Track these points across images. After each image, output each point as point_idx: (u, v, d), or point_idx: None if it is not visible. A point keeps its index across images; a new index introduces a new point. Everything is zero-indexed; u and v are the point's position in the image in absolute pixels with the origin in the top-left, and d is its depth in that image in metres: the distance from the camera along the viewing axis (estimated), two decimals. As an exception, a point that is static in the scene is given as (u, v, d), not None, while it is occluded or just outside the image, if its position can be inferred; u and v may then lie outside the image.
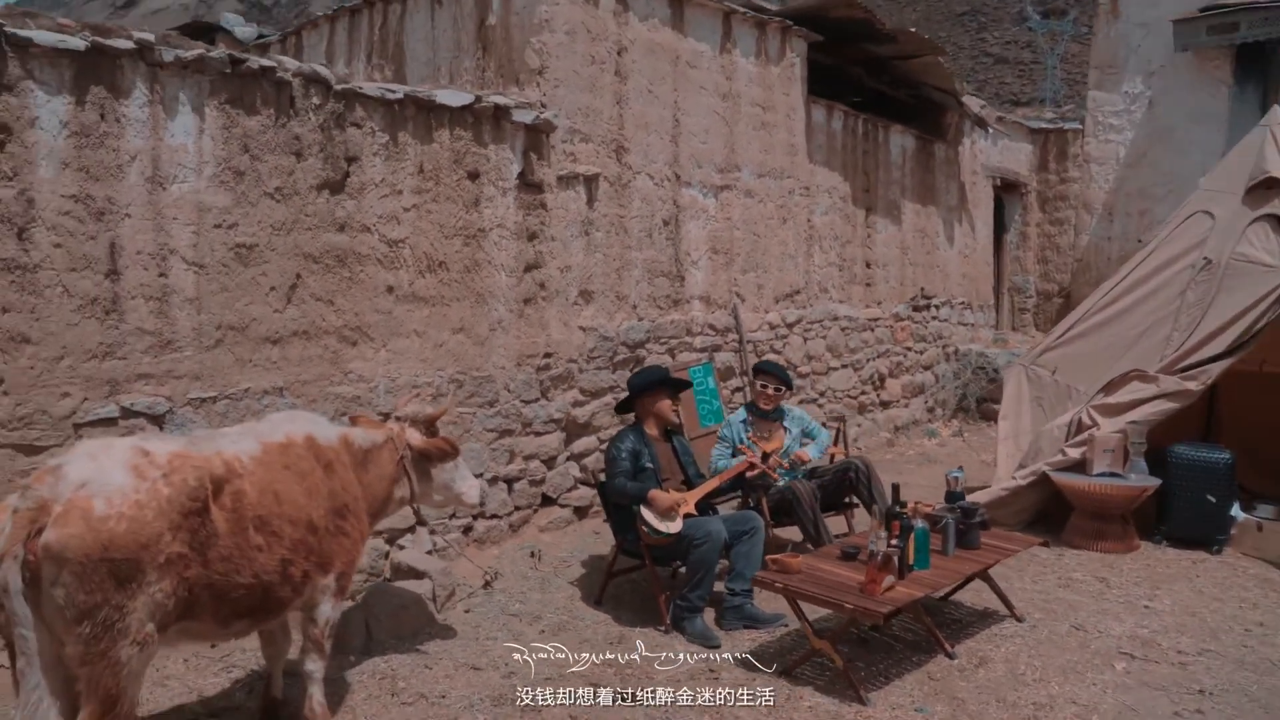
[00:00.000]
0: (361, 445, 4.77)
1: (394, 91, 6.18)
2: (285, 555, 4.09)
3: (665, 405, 6.16)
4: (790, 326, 9.37)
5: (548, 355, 7.21)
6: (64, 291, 4.95)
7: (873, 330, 10.49)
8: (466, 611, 6.00)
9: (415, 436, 4.95)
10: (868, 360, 10.41)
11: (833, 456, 7.14)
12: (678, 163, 8.20)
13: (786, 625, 5.60)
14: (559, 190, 7.25)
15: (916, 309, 11.35)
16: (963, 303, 12.43)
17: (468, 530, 6.72)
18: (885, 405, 10.67)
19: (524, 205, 7.00)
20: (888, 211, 10.76)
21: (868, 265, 10.49)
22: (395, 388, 6.31)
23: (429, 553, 6.40)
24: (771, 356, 9.04)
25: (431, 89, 6.43)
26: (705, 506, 6.19)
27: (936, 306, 11.74)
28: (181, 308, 5.38)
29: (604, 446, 7.56)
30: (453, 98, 6.47)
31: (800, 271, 9.55)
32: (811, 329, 9.67)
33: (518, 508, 7.05)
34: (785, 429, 6.76)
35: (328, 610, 4.44)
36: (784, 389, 6.81)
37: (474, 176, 6.68)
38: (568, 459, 7.46)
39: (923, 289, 11.48)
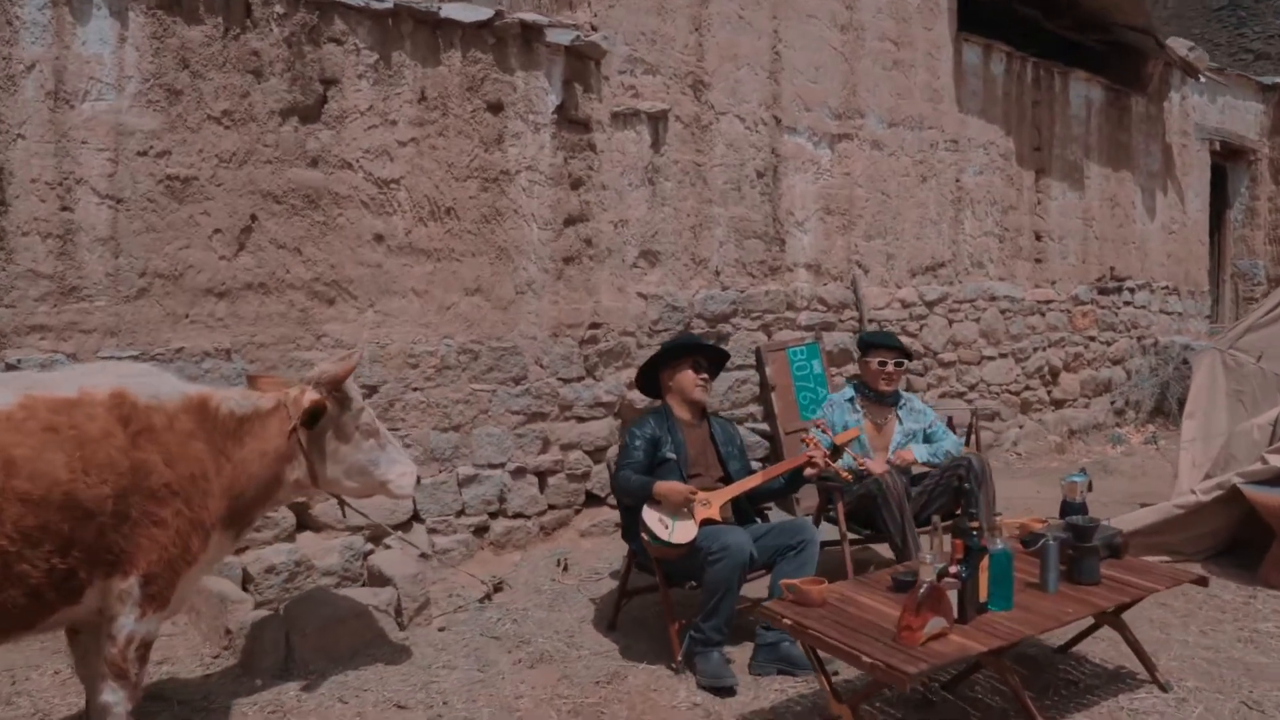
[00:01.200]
0: (232, 411, 3.44)
1: (384, 1, 4.88)
2: (6, 545, 2.83)
3: (687, 378, 4.49)
4: (930, 305, 7.42)
5: (595, 326, 5.71)
6: (-67, 223, 3.94)
7: (1042, 314, 8.31)
8: (441, 629, 4.58)
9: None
10: (1035, 350, 8.23)
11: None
12: (778, 104, 6.49)
13: (837, 672, 3.87)
14: (613, 129, 5.73)
15: (1103, 292, 9.00)
16: (1166, 287, 9.88)
17: (482, 531, 5.32)
18: (1057, 404, 8.44)
19: (565, 145, 5.53)
20: (1066, 174, 8.53)
21: (1038, 237, 8.31)
22: (385, 356, 4.99)
23: (424, 555, 5.05)
24: (904, 339, 7.14)
25: (438, 0, 5.09)
26: (748, 511, 4.53)
27: (1131, 290, 9.31)
28: (91, 249, 4.25)
29: (669, 438, 5.99)
30: (464, 11, 5.08)
31: (945, 241, 7.58)
32: (960, 310, 7.66)
33: (552, 506, 5.57)
34: (898, 419, 4.99)
35: (131, 624, 3.10)
36: (905, 365, 5.04)
37: (495, 108, 5.27)
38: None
39: (1112, 269, 9.11)
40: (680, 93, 5.97)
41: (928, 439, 5.00)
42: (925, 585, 3.15)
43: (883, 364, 4.92)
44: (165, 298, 4.41)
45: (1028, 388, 8.16)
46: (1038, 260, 8.30)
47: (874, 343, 5.06)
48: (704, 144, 6.10)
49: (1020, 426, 8.05)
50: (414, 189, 5.00)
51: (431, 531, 5.13)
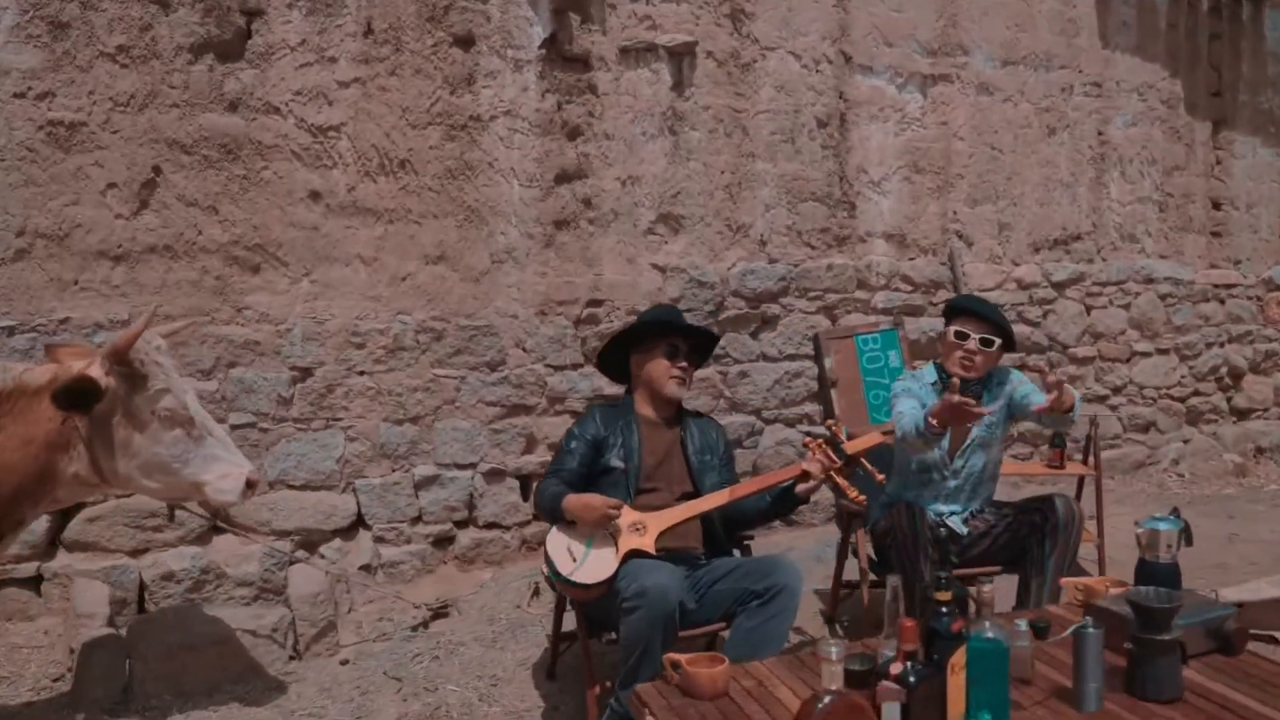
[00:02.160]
0: None
1: (320, -85, 4.10)
2: None
3: (660, 367, 3.39)
4: (1059, 287, 5.92)
5: (595, 304, 4.70)
6: None
7: (1220, 301, 6.54)
8: (344, 663, 3.74)
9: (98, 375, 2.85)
10: (1207, 345, 6.47)
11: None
12: (846, 38, 5.25)
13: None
14: (622, 68, 4.71)
15: (1313, 275, 7.07)
16: None
17: (445, 542, 4.44)
18: (1240, 415, 6.62)
19: (557, 87, 4.57)
20: (1257, 127, 6.68)
21: (1215, 205, 6.54)
22: (323, 334, 4.21)
23: (365, 567, 4.24)
24: (1020, 328, 5.73)
25: (390, -85, 4.26)
26: (721, 541, 3.42)
27: (1353, 274, 7.30)
28: (-42, 204, 3.72)
29: (692, 439, 4.93)
30: (421, -74, 4.26)
31: (1082, 208, 6.03)
32: (1101, 293, 6.08)
33: (538, 517, 4.65)
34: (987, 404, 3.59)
35: None
36: (998, 345, 3.51)
37: (464, 42, 4.37)
38: None
39: (1326, 246, 7.16)
40: (713, 23, 4.87)
41: (1016, 411, 3.67)
42: (828, 698, 2.01)
43: (961, 337, 3.45)
44: (49, 260, 3.81)
45: (1197, 393, 6.44)
46: (1215, 234, 6.55)
47: (960, 308, 3.57)
48: (745, 86, 4.97)
49: (1185, 441, 6.35)
50: (358, 138, 4.20)
51: (378, 540, 4.32)
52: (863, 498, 3.30)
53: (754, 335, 5.04)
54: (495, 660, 3.72)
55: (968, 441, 3.55)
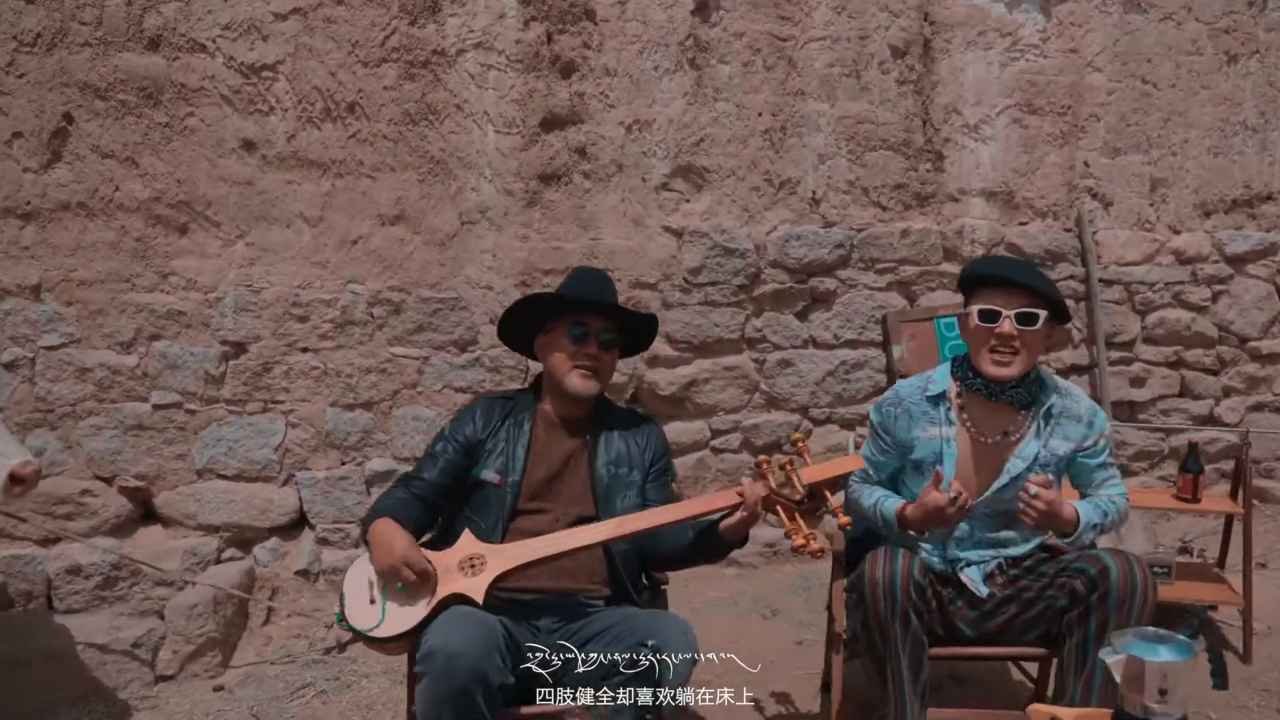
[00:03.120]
0: None
1: None
2: None
3: (560, 356, 2.51)
4: (1238, 262, 4.45)
5: (590, 273, 3.88)
6: None
7: None
8: (218, 689, 3.12)
9: None
10: None
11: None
12: (935, -57, 4.12)
13: None
14: (629, -11, 3.85)
15: None
16: None
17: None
18: None
19: (544, 14, 3.74)
20: None
21: None
22: (259, 304, 3.62)
23: (303, 572, 3.62)
24: (1176, 315, 4.37)
25: None
26: (624, 584, 2.49)
27: None
28: None
29: (713, 440, 4.01)
30: None
31: (1276, 159, 4.55)
32: (1302, 271, 4.59)
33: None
34: (1032, 428, 2.47)
35: None
36: (1043, 321, 2.40)
37: (428, -38, 3.68)
38: None
39: None
40: (750, -69, 3.91)
41: (1078, 476, 2.59)
42: None
43: (989, 318, 2.39)
44: (-49, 219, 3.46)
45: None
46: None
47: (983, 276, 2.46)
48: (792, 8, 3.95)
49: None
50: (299, 78, 3.57)
51: (322, 542, 3.70)
52: (819, 546, 2.30)
53: (801, 316, 4.03)
54: (394, 702, 3.01)
55: (1006, 480, 2.49)
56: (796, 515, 2.31)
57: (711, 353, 3.96)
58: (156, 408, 3.57)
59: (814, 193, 4.01)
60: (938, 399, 2.52)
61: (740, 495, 2.29)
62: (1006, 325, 2.36)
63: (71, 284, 3.50)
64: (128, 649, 3.07)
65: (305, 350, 3.65)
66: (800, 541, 2.23)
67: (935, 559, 2.49)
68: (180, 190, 3.53)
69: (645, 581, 2.60)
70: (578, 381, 2.50)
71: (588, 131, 3.80)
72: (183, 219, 3.55)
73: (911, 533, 2.44)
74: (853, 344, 4.06)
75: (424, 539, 2.42)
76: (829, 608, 2.91)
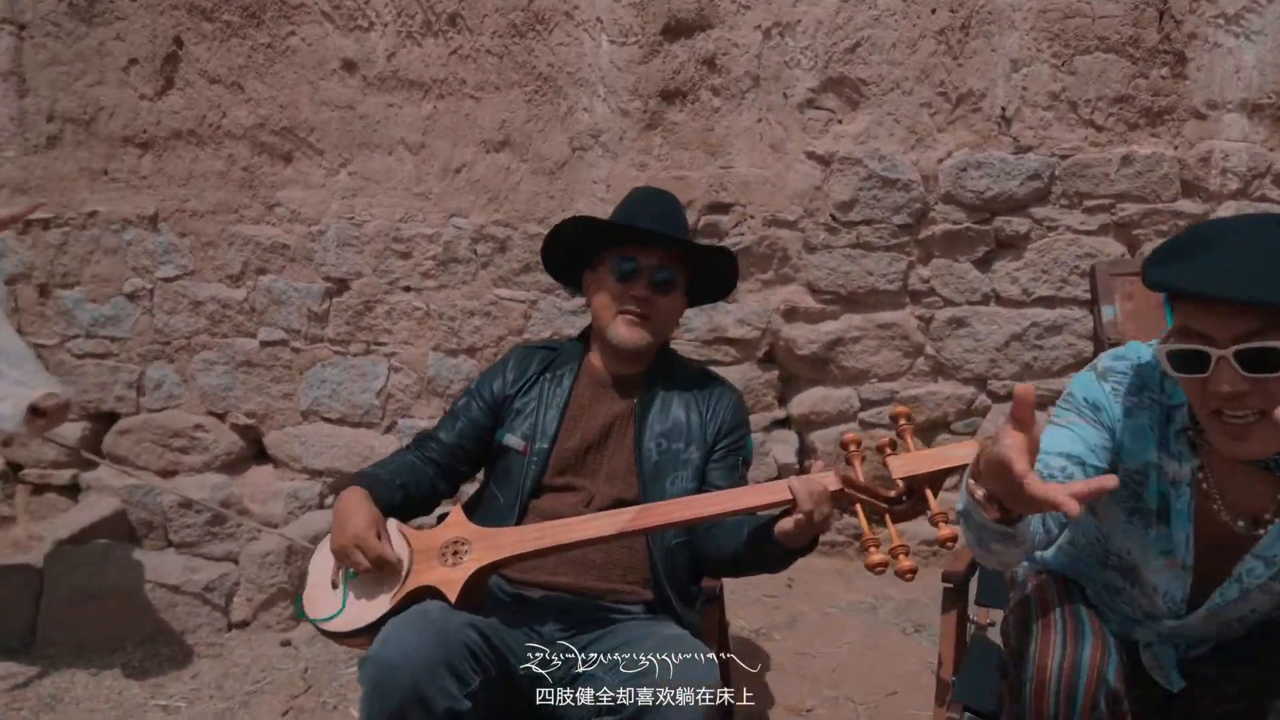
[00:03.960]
0: None
1: None
2: None
3: (605, 296, 2.02)
4: None
5: (719, 208, 3.25)
6: None
7: None
8: (285, 644, 2.94)
9: None
10: None
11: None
12: None
13: None
14: None
15: None
16: None
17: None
18: None
19: (671, -100, 3.17)
20: None
21: None
22: (360, 238, 3.38)
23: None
24: None
25: None
26: (685, 589, 2.02)
27: None
28: (-6, 86, 3.44)
29: (861, 411, 3.36)
30: None
31: None
32: None
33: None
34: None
35: None
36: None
37: None
38: (772, 423, 3.41)
39: None
40: None
41: None
42: None
43: (1195, 364, 1.35)
44: (78, 148, 3.43)
45: None
46: None
47: (1189, 291, 1.35)
48: None
49: None
50: (399, -11, 3.26)
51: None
52: (910, 566, 1.67)
53: (982, 264, 3.23)
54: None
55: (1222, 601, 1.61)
56: (887, 519, 1.73)
57: (863, 306, 3.28)
58: (264, 344, 3.45)
59: (1003, 109, 3.17)
60: (1170, 425, 1.52)
61: (789, 495, 1.73)
62: (1223, 381, 1.34)
63: (185, 214, 3.43)
64: (199, 592, 2.98)
65: (407, 289, 3.39)
66: (878, 559, 1.63)
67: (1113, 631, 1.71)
68: (283, 116, 3.34)
69: (696, 588, 2.11)
70: (622, 330, 2.00)
71: (718, 39, 3.20)
72: (287, 146, 3.37)
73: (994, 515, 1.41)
74: (1049, 301, 3.21)
75: (439, 512, 2.06)
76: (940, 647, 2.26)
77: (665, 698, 1.66)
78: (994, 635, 2.35)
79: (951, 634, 2.17)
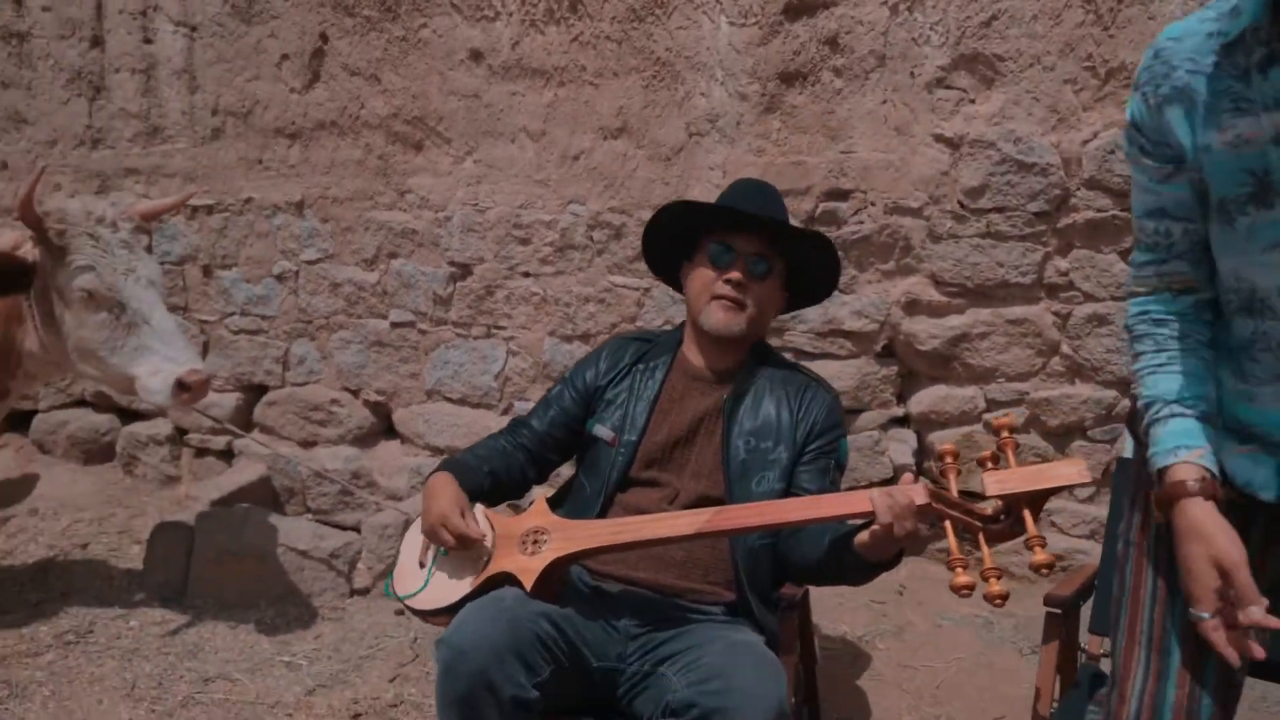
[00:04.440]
0: None
1: None
2: None
3: (700, 279, 2.01)
4: None
5: (838, 195, 3.08)
6: (54, 64, 3.85)
7: None
8: (399, 613, 3.04)
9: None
10: None
11: None
12: None
13: None
14: None
15: None
16: None
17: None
18: None
19: (794, -126, 3.02)
20: None
21: None
22: (483, 224, 3.44)
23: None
24: None
25: None
26: (766, 592, 1.97)
27: None
28: (170, 83, 3.72)
29: (987, 413, 3.11)
30: None
31: None
32: None
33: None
34: None
35: None
36: None
37: None
38: (890, 421, 3.19)
39: None
40: None
41: None
42: None
43: None
44: (238, 139, 3.69)
45: None
46: None
47: None
48: None
49: None
50: (523, -21, 3.28)
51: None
52: (1000, 591, 1.53)
53: (1128, 256, 2.93)
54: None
55: None
56: (980, 539, 1.61)
57: (992, 300, 3.03)
58: (394, 325, 3.60)
59: (1164, 83, 2.85)
60: (1237, 46, 1.19)
61: (868, 507, 1.63)
62: None
63: (326, 201, 3.63)
64: (325, 558, 3.14)
65: (526, 275, 3.44)
66: (963, 581, 1.53)
67: None
68: (415, 105, 3.46)
69: (778, 594, 2.03)
70: (717, 314, 1.98)
71: (841, 16, 3.04)
72: (417, 135, 3.49)
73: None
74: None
75: (532, 497, 2.08)
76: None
77: (733, 702, 1.61)
78: (1106, 666, 2.15)
79: (1052, 664, 2.00)
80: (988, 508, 1.61)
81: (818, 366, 3.15)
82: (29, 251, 2.56)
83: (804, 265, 2.07)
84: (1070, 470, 1.56)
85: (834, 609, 3.01)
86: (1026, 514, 1.54)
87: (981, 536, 1.60)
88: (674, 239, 2.12)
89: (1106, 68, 2.88)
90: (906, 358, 3.16)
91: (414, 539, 2.02)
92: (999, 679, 2.73)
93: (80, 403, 4.10)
